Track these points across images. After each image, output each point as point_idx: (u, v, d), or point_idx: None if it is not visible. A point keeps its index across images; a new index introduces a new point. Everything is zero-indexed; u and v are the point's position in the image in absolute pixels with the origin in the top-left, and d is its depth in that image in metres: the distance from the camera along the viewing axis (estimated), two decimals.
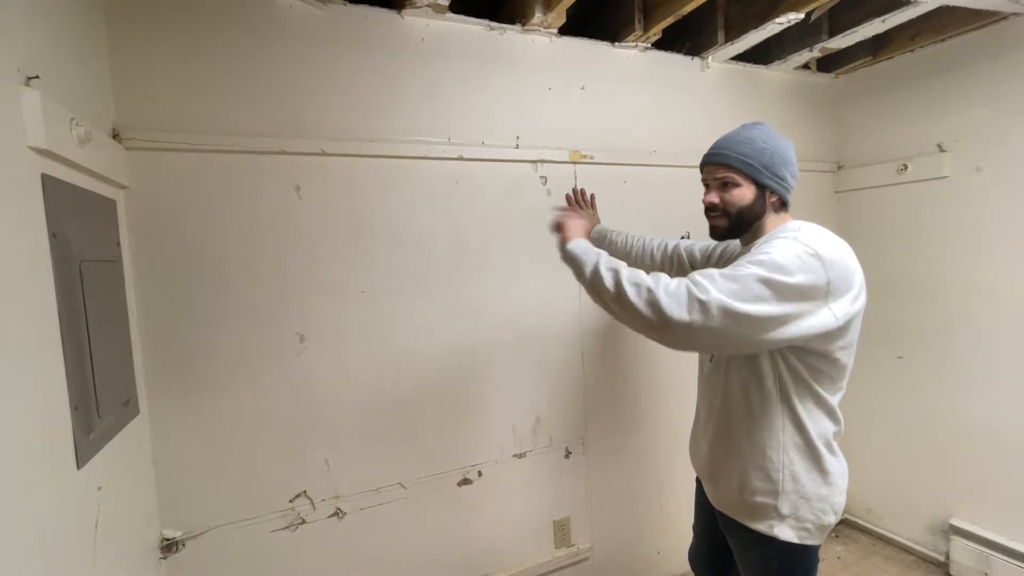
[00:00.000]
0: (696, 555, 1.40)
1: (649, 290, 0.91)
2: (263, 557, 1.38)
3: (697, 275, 0.92)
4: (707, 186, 1.15)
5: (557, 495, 1.79)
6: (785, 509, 1.05)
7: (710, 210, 1.14)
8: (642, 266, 1.56)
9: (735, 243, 1.29)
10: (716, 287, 0.88)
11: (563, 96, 1.73)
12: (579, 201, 1.73)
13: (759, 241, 1.07)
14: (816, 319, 0.92)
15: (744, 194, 1.09)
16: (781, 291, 0.89)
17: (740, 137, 1.10)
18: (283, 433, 1.39)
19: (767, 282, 0.89)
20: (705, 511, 1.30)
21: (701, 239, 1.48)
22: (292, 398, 1.40)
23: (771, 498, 1.05)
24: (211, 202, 1.31)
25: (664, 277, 0.93)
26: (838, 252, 0.97)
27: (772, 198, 1.10)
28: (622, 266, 0.98)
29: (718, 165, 1.11)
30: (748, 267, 0.91)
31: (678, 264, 1.48)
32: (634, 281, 0.93)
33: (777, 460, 1.05)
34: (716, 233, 1.15)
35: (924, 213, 2.03)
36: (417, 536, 1.57)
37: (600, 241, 1.67)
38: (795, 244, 0.94)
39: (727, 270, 0.92)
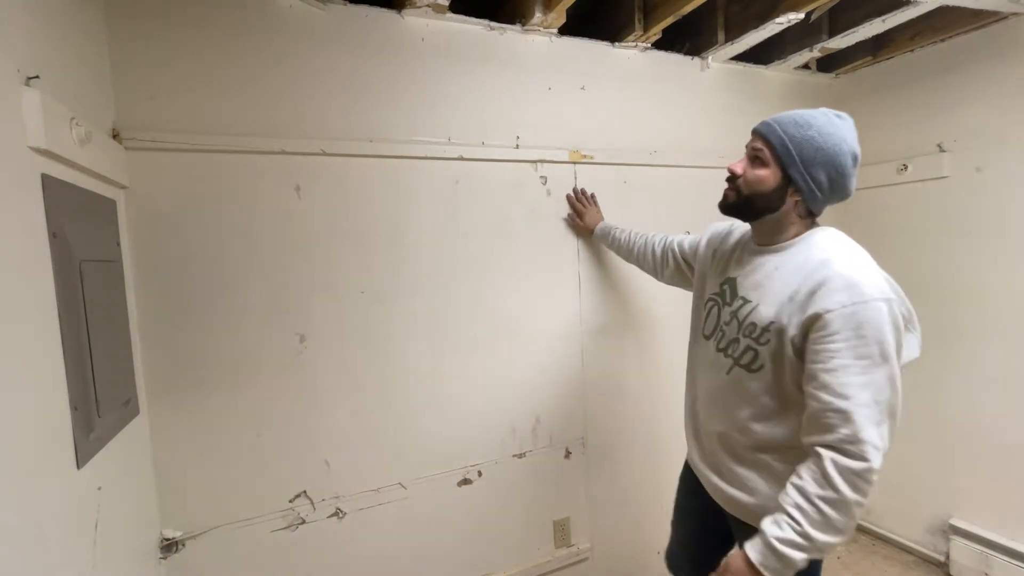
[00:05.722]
0: (680, 557, 1.35)
1: (849, 480, 0.86)
2: (263, 557, 1.38)
3: (860, 444, 0.86)
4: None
5: (557, 495, 1.79)
6: None
7: (729, 178, 1.07)
8: (644, 262, 1.55)
9: (727, 241, 1.21)
10: (878, 435, 0.87)
11: (563, 96, 1.73)
12: (581, 200, 1.73)
13: (787, 254, 1.01)
14: (908, 351, 0.93)
15: (767, 178, 1.00)
16: (888, 356, 0.88)
17: (801, 118, 0.98)
18: (283, 433, 1.39)
19: (890, 378, 0.88)
20: (696, 515, 1.27)
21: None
22: (292, 398, 1.40)
23: None
24: (211, 202, 1.30)
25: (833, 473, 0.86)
26: (887, 283, 0.93)
27: (795, 197, 1.00)
28: (812, 496, 0.87)
29: (760, 135, 1.01)
30: (868, 377, 0.87)
31: (672, 261, 1.45)
32: (833, 500, 0.86)
33: None
34: (723, 203, 1.09)
35: (924, 213, 2.03)
36: (417, 536, 1.57)
37: (604, 238, 1.66)
38: (874, 309, 0.87)
39: (866, 400, 0.86)
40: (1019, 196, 1.77)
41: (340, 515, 1.47)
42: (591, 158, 1.76)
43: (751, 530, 1.08)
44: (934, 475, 2.07)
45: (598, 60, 1.79)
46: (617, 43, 1.79)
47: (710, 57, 1.94)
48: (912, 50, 2.00)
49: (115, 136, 1.19)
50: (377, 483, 1.51)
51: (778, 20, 1.64)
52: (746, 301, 1.06)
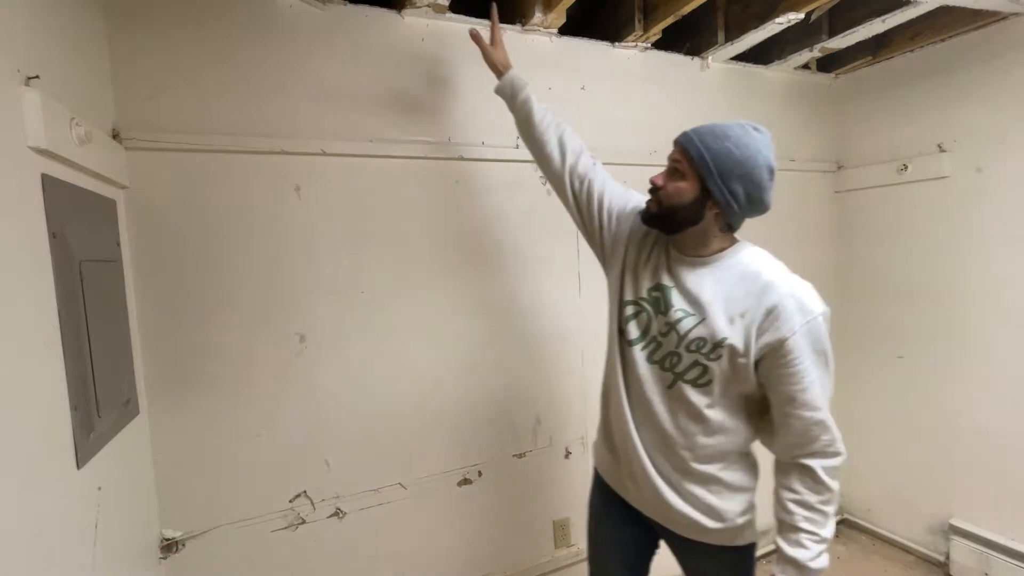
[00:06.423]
0: None
1: (833, 476, 0.98)
2: (263, 557, 1.38)
3: (828, 444, 0.97)
4: None
5: (557, 495, 1.79)
6: (752, 515, 1.10)
7: (651, 190, 1.05)
8: (552, 168, 1.30)
9: (648, 238, 1.15)
10: (833, 433, 0.97)
11: (563, 96, 1.73)
12: (491, 38, 1.41)
13: (720, 267, 1.01)
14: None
15: (685, 191, 0.98)
16: (829, 361, 0.98)
17: (719, 130, 0.96)
18: (283, 433, 1.39)
19: (832, 378, 0.98)
20: (625, 542, 1.21)
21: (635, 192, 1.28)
22: (292, 398, 1.40)
23: (752, 513, 1.09)
24: (211, 202, 1.30)
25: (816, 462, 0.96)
26: (815, 292, 1.00)
27: (714, 210, 0.98)
28: (814, 504, 0.97)
29: (679, 147, 1.00)
30: (825, 384, 0.97)
31: (587, 200, 1.26)
32: (829, 499, 0.97)
33: (755, 477, 1.11)
34: (645, 215, 1.07)
35: (924, 213, 2.04)
36: (417, 536, 1.57)
37: (512, 98, 1.36)
38: (819, 323, 0.95)
39: (812, 406, 0.95)
40: (1019, 196, 1.77)
41: (340, 515, 1.47)
42: None
43: (693, 545, 1.09)
44: (934, 475, 2.07)
45: (598, 60, 1.79)
46: (617, 43, 1.79)
47: (710, 57, 1.94)
48: (912, 50, 2.00)
49: (115, 136, 1.19)
50: (377, 483, 1.51)
51: (778, 20, 1.64)
52: (687, 314, 1.01)
